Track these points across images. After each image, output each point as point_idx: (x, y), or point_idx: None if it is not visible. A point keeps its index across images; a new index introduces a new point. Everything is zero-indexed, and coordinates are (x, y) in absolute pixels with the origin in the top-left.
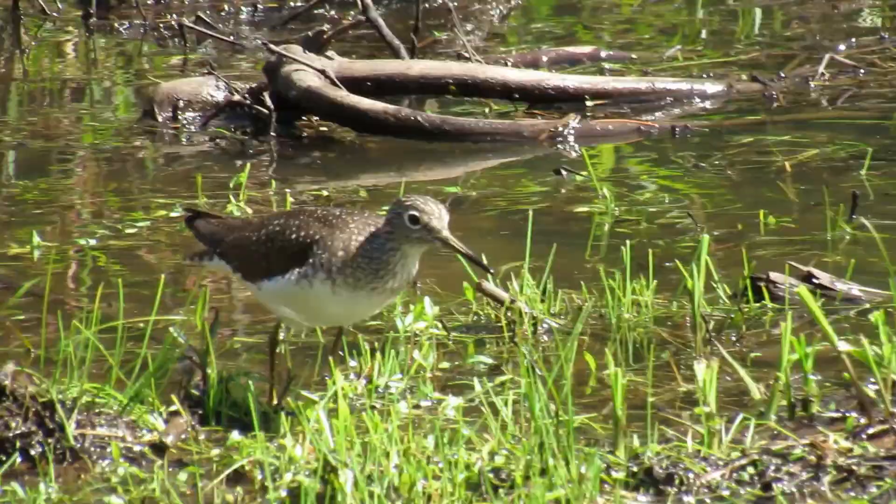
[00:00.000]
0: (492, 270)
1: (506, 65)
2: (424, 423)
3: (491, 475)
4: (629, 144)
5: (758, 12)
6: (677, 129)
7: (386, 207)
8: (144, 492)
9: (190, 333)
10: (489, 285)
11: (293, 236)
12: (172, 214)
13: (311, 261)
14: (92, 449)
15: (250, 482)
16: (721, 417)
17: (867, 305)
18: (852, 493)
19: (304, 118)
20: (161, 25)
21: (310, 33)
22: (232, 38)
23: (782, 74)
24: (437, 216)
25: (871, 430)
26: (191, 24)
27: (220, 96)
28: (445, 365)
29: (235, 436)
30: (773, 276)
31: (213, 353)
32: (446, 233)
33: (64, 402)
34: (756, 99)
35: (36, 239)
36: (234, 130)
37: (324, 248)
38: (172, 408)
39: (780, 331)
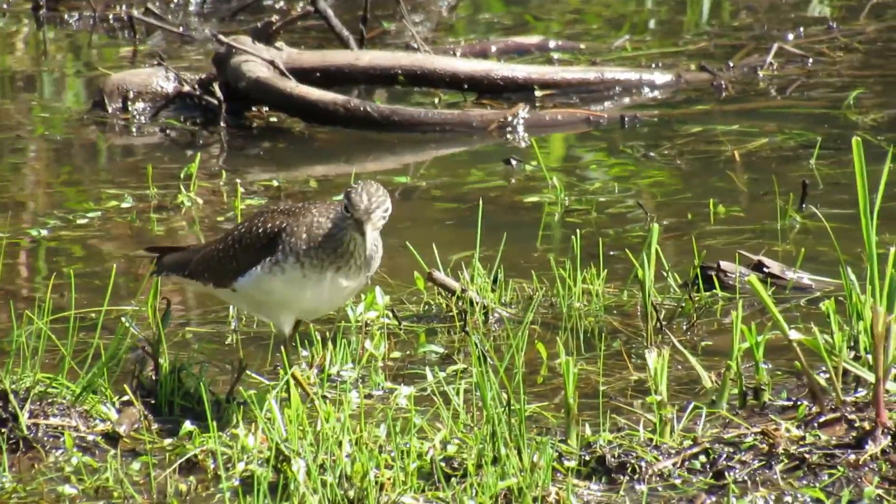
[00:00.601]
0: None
1: (454, 55)
2: (376, 413)
3: (443, 464)
4: (578, 134)
5: (706, 2)
6: (626, 118)
7: (337, 198)
8: (98, 481)
9: (142, 323)
10: (440, 275)
11: (260, 231)
12: (123, 205)
13: (280, 247)
14: (45, 439)
15: (203, 471)
16: (673, 406)
17: (818, 294)
18: (804, 482)
19: (253, 109)
20: (110, 17)
21: (259, 24)
22: (181, 29)
23: (731, 64)
24: (364, 210)
25: (822, 419)
26: (140, 16)
27: (169, 87)
28: (397, 354)
29: (188, 425)
30: (724, 265)
31: (165, 343)
32: (367, 227)
33: (17, 392)
34: (705, 89)
35: None
36: (184, 121)
37: (290, 234)
38: (125, 398)
39: (730, 319)
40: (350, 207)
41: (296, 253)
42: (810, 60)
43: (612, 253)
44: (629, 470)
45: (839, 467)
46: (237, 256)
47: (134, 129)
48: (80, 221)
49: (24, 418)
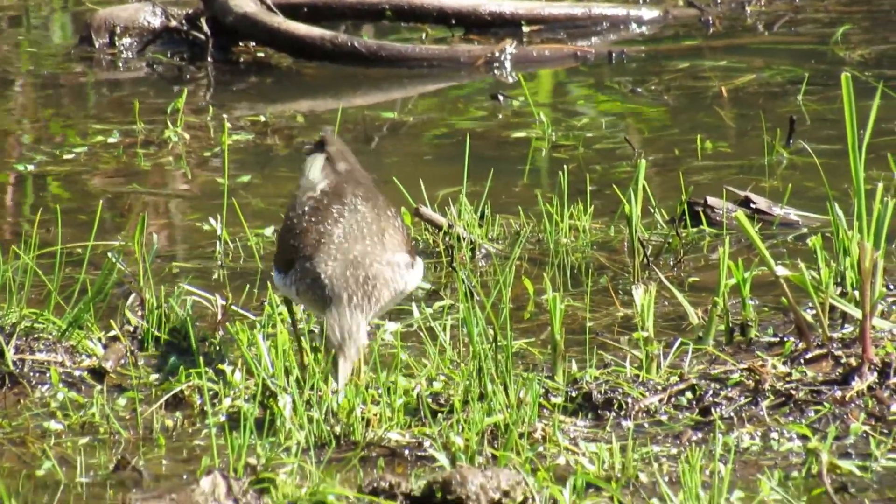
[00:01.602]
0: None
1: None
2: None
3: (429, 400)
4: (566, 70)
5: None
6: (613, 54)
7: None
8: (84, 417)
9: (128, 259)
10: (427, 210)
11: None
12: (110, 140)
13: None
14: (31, 374)
15: (190, 407)
16: (659, 342)
17: (805, 230)
18: (791, 418)
19: (240, 44)
20: None
21: None
22: None
23: (718, 0)
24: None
25: (809, 355)
26: None
27: (156, 22)
28: None
29: (174, 361)
30: (711, 200)
31: (152, 278)
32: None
33: (2, 328)
34: (692, 24)
35: None
36: (171, 56)
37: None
38: (111, 333)
39: (717, 255)
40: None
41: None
42: None
43: (599, 189)
44: (615, 406)
45: (825, 403)
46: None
47: (121, 65)
48: (67, 157)
49: (10, 354)
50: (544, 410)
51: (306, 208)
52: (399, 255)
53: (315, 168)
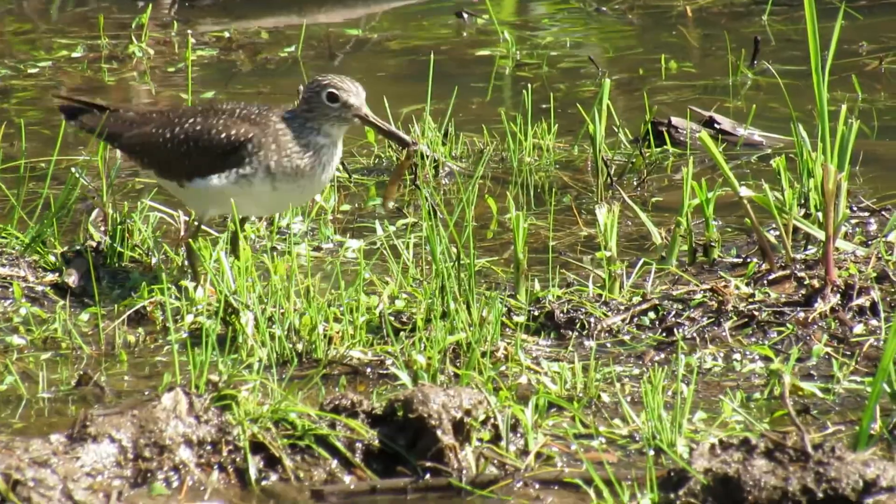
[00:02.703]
0: (413, 143)
1: None
2: (325, 266)
3: (392, 318)
4: None
5: None
6: None
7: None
8: (46, 332)
9: (92, 174)
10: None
11: (222, 136)
12: (74, 55)
13: (247, 161)
14: None
15: (152, 323)
16: (622, 262)
17: (768, 151)
18: (753, 339)
19: None
20: None
21: None
22: None
23: None
24: (355, 93)
25: (772, 276)
26: None
27: None
28: (346, 207)
29: (137, 277)
30: (675, 120)
31: (115, 194)
32: (366, 110)
33: None
34: None
35: None
36: None
37: (258, 146)
38: (74, 248)
39: (681, 176)
40: (341, 94)
41: (265, 167)
42: None
43: (563, 108)
44: (578, 326)
45: (788, 325)
46: (191, 156)
47: None
48: (31, 71)
49: None
50: (507, 329)
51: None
52: None
53: None
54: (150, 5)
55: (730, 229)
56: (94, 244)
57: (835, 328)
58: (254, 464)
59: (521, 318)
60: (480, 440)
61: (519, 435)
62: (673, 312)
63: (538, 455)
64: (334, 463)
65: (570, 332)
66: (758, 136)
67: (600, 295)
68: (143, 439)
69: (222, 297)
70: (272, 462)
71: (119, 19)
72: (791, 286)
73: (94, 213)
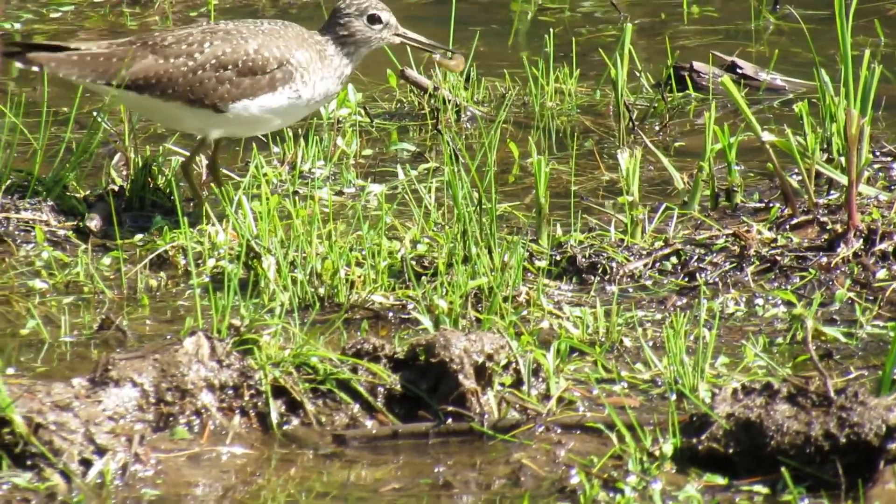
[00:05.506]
0: (454, 51)
1: None
2: (347, 211)
3: (413, 263)
4: None
5: None
6: None
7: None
8: (68, 276)
9: (114, 118)
10: (412, 72)
11: (265, 55)
12: None
13: (302, 79)
14: (16, 233)
15: (174, 267)
16: (644, 207)
17: (791, 96)
18: (776, 284)
19: None
20: None
21: None
22: None
23: None
24: (391, 12)
25: (794, 221)
26: None
27: None
28: (368, 152)
29: (159, 221)
30: (697, 65)
31: (137, 138)
32: (403, 28)
33: None
34: None
35: None
36: None
37: (301, 66)
38: (96, 192)
39: (703, 120)
40: (383, 14)
41: (312, 85)
42: None
43: (585, 52)
44: (600, 270)
45: (811, 270)
46: (232, 80)
47: None
48: (54, 15)
49: None
50: (528, 274)
51: None
52: None
53: None
54: None
55: (752, 174)
56: (116, 188)
57: (857, 273)
58: (275, 408)
59: (543, 263)
60: (502, 385)
61: (541, 379)
62: (695, 257)
63: (560, 400)
64: (356, 407)
65: (592, 277)
66: (780, 80)
67: (622, 240)
68: (164, 383)
69: (244, 242)
70: (294, 406)
71: None
72: (814, 231)
73: (115, 158)
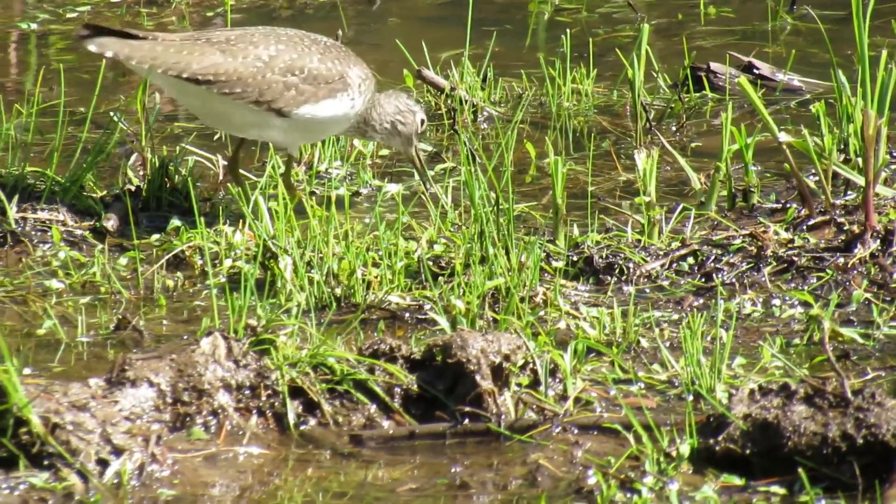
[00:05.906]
0: (431, 186)
1: None
2: (364, 211)
3: (430, 263)
4: None
5: None
6: None
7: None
8: (85, 276)
9: (130, 118)
10: (429, 73)
11: (330, 67)
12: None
13: (354, 87)
14: (33, 233)
15: (191, 267)
16: (661, 207)
17: (808, 96)
18: (793, 284)
19: None
20: None
21: None
22: None
23: None
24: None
25: (811, 222)
26: None
27: None
28: (385, 152)
29: (175, 221)
30: (714, 66)
31: (154, 138)
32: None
33: (5, 186)
34: None
35: None
36: None
37: (357, 79)
38: (113, 192)
39: (720, 121)
40: (423, 126)
41: (362, 99)
42: None
43: (602, 53)
44: (617, 271)
45: (828, 270)
46: (298, 87)
47: None
48: (70, 15)
49: (12, 212)
50: (545, 274)
51: None
52: None
53: None
54: None
55: (769, 174)
56: (133, 188)
57: (875, 274)
58: (292, 408)
59: (560, 264)
60: (519, 385)
61: (558, 380)
62: (712, 258)
63: (577, 400)
64: (373, 408)
65: (609, 278)
66: (797, 81)
67: (639, 240)
68: (181, 383)
69: (261, 242)
70: (311, 407)
71: None
72: (830, 231)
73: (132, 158)
